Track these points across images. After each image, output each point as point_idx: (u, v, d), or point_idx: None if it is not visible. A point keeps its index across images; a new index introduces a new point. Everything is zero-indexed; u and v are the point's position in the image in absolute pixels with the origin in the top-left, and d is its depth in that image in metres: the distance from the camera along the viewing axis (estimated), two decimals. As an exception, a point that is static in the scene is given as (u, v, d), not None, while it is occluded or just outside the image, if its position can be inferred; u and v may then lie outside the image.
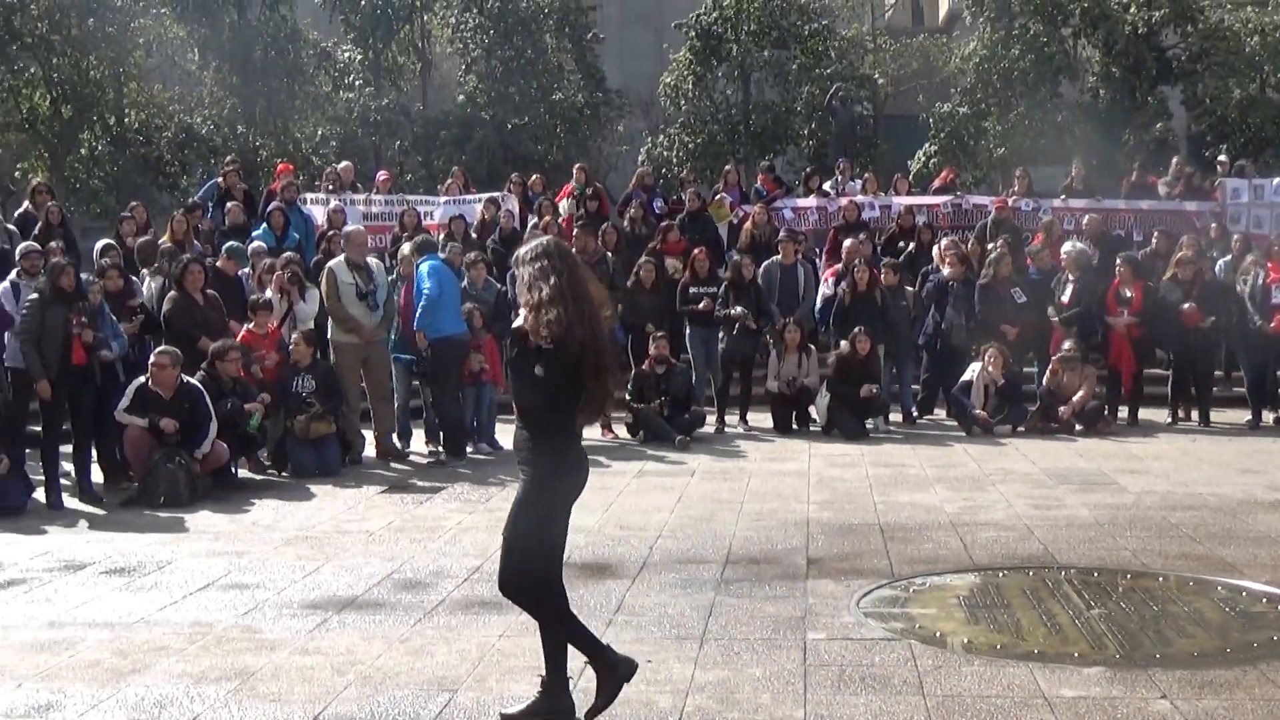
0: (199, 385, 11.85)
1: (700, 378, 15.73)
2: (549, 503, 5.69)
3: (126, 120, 35.02)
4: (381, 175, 21.18)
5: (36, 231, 15.58)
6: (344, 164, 21.49)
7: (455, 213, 18.32)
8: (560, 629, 5.80)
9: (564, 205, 19.10)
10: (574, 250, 6.48)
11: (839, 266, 16.44)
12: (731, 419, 15.55)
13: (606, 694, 5.76)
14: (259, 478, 12.64)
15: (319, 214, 18.15)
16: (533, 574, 5.68)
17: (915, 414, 15.93)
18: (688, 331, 15.80)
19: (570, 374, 5.51)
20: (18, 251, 13.91)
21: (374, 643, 7.09)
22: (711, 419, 15.31)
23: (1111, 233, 18.53)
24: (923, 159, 29.14)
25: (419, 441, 14.07)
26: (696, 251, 15.94)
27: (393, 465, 13.34)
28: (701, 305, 15.48)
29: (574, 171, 20.19)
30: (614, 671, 5.78)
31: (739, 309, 15.22)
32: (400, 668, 6.65)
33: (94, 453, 12.07)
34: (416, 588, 8.30)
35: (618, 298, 15.13)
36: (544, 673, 5.81)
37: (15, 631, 7.45)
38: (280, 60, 33.22)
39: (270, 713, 6.01)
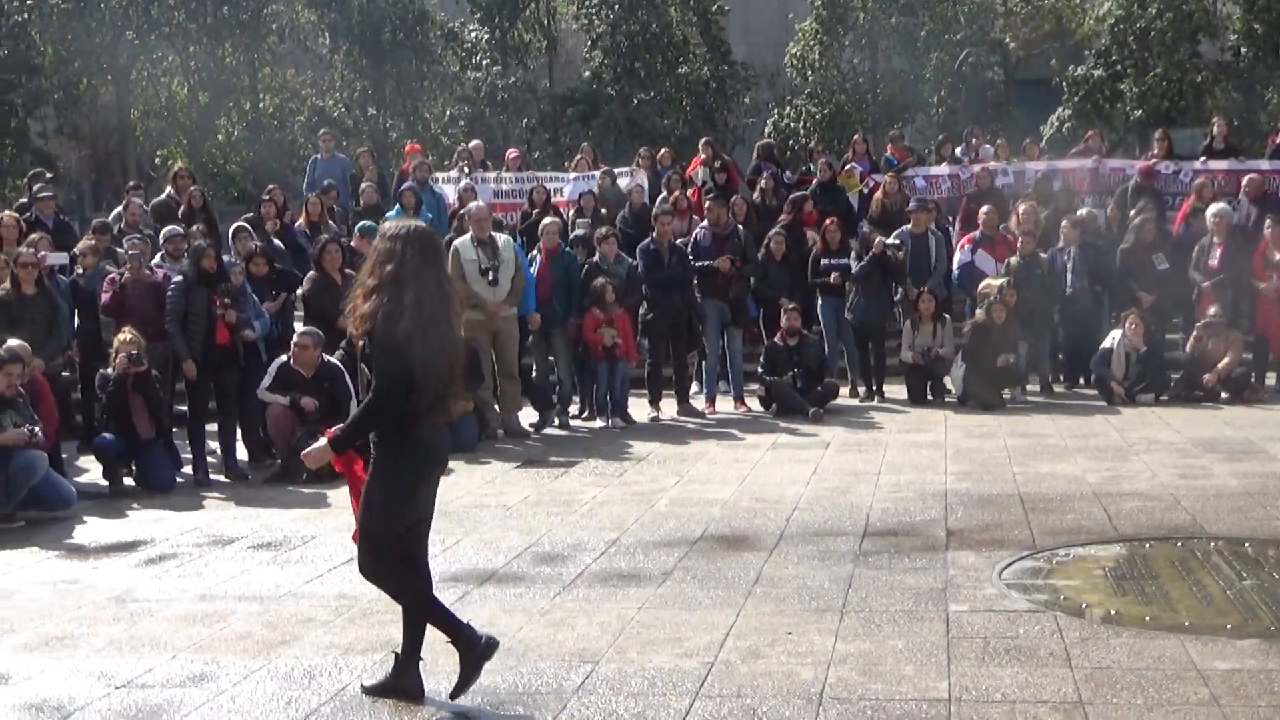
0: (338, 364, 12.05)
1: (833, 349, 15.61)
2: (392, 491, 5.68)
3: (261, 105, 35.73)
4: (512, 153, 21.32)
5: (179, 216, 15.96)
6: (475, 142, 21.66)
7: (585, 188, 18.39)
8: (418, 611, 5.91)
9: (699, 173, 19.00)
10: (447, 241, 6.44)
11: (974, 234, 16.17)
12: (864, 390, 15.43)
13: (468, 672, 5.83)
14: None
15: (450, 193, 18.34)
16: (385, 559, 5.79)
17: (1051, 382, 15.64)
18: (819, 303, 15.68)
19: (401, 364, 5.48)
20: (161, 236, 14.30)
21: (514, 615, 7.16)
22: (844, 391, 15.18)
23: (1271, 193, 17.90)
24: (1056, 123, 28.57)
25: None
26: (828, 222, 15.80)
27: (527, 441, 13.44)
28: (832, 279, 15.35)
29: (700, 145, 20.12)
30: (474, 649, 5.84)
31: (891, 240, 15.21)
32: (541, 640, 6.70)
33: (238, 431, 12.33)
34: (555, 561, 8.36)
35: (749, 271, 15.08)
36: (399, 650, 5.96)
37: (169, 604, 7.65)
38: (408, 41, 33.65)
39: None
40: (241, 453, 12.34)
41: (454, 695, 5.86)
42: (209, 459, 11.90)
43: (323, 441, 5.83)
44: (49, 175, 18.27)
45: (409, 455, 5.67)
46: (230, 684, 6.19)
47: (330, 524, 9.73)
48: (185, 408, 12.29)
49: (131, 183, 19.26)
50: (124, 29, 33.10)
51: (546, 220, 14.83)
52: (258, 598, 7.73)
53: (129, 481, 11.33)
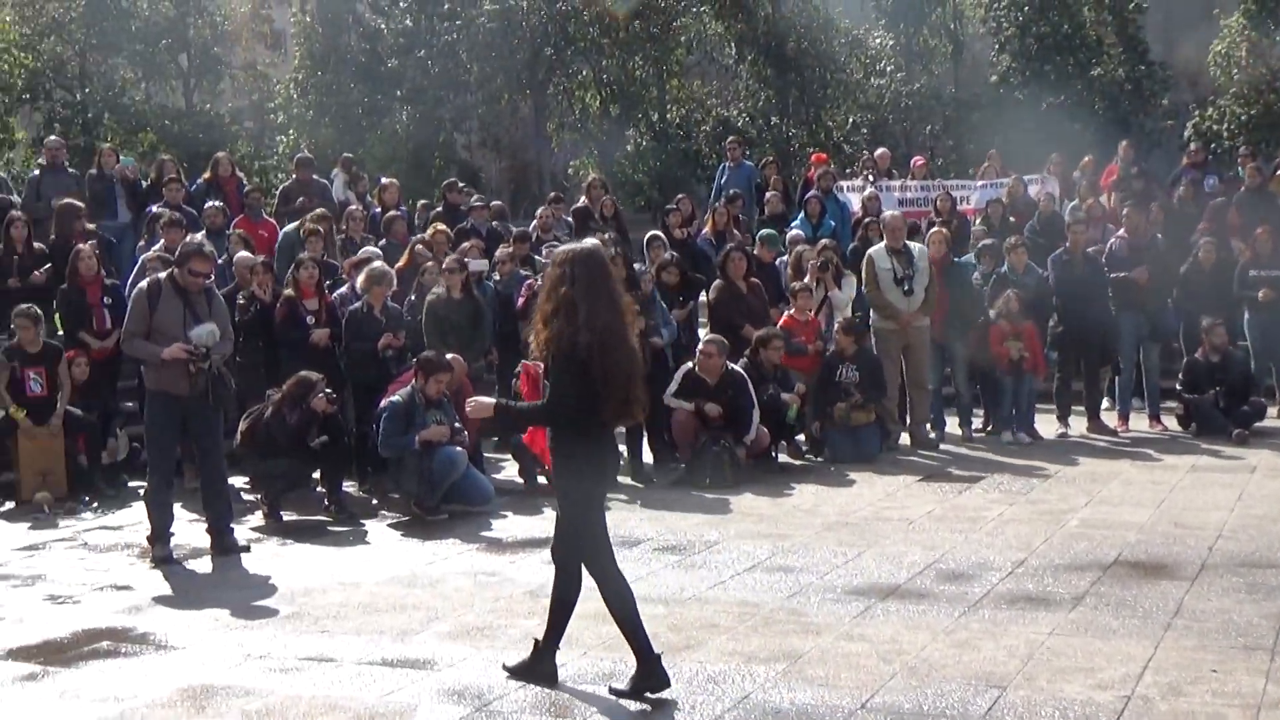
0: (742, 372, 12.18)
1: (1260, 367, 14.62)
2: (587, 483, 6.24)
3: (668, 115, 36.66)
4: (917, 160, 21.03)
5: (592, 225, 16.55)
6: (881, 150, 21.48)
7: (993, 196, 17.93)
8: (566, 603, 6.37)
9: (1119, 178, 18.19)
10: (617, 260, 7.01)
11: None
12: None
13: (639, 685, 6.12)
14: (798, 463, 12.86)
15: (855, 201, 18.26)
16: (574, 552, 6.28)
17: None
18: (1246, 317, 14.71)
19: (573, 381, 5.94)
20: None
21: (918, 633, 7.04)
22: (1273, 411, 14.19)
23: None
24: None
25: (953, 431, 13.86)
26: (1259, 231, 14.81)
27: (929, 453, 13.20)
28: (1261, 295, 14.34)
29: (1119, 149, 19.28)
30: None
31: None
32: (946, 660, 6.56)
33: (644, 434, 12.64)
34: (959, 579, 8.18)
35: (1169, 280, 14.31)
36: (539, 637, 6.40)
37: (581, 602, 7.82)
38: (813, 50, 33.74)
39: (819, 696, 6.09)
40: (646, 456, 12.65)
41: (615, 692, 6.19)
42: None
43: (492, 401, 6.59)
44: (462, 186, 19.27)
45: (594, 456, 6.21)
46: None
47: (733, 530, 9.84)
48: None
49: (552, 194, 20.10)
50: (543, 46, 34.64)
51: (933, 230, 14.54)
52: (663, 600, 7.90)
53: (542, 480, 11.81)
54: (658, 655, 6.18)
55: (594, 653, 6.87)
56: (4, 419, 11.68)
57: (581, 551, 6.29)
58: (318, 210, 14.48)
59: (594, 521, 6.29)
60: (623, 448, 12.46)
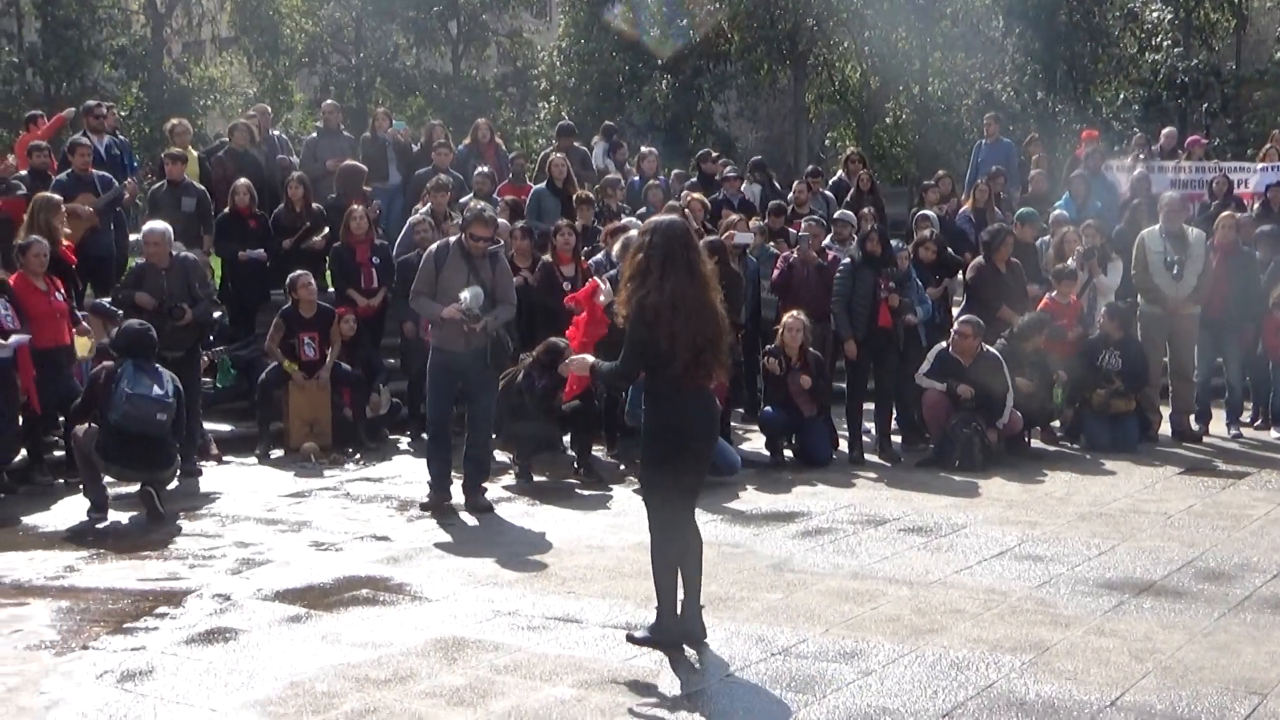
0: (997, 354, 11.93)
1: None
2: (659, 449, 6.43)
3: (930, 89, 36.05)
4: (1194, 139, 20.14)
5: (849, 198, 16.41)
6: (1168, 129, 20.58)
7: (1273, 180, 17.06)
8: (654, 566, 6.56)
9: None
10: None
11: None
12: None
13: (654, 636, 6.49)
14: (1051, 449, 12.53)
15: (1123, 182, 17.62)
16: (660, 510, 6.50)
17: None
18: None
19: (638, 342, 6.28)
20: (836, 216, 14.76)
21: (1174, 632, 6.81)
22: None
23: None
24: None
25: (1218, 424, 13.29)
26: None
27: (1192, 446, 12.70)
28: None
29: None
30: (681, 624, 6.53)
31: None
32: (1203, 662, 6.33)
33: (894, 413, 12.51)
34: (1219, 579, 7.86)
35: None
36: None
37: (823, 578, 7.91)
38: (1085, 24, 32.66)
39: (1066, 690, 5.94)
40: (896, 435, 12.52)
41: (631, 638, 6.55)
42: (864, 438, 12.16)
43: (589, 360, 6.99)
44: (716, 156, 19.24)
45: (672, 418, 6.37)
46: (879, 665, 6.31)
47: (981, 515, 9.67)
48: (844, 386, 12.62)
49: (810, 167, 19.98)
50: (804, 16, 34.40)
51: (1224, 214, 13.91)
52: (907, 582, 7.82)
53: (788, 454, 11.81)
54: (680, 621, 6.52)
55: (835, 630, 6.85)
56: (278, 371, 12.26)
57: (649, 503, 6.59)
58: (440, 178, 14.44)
59: (662, 485, 6.48)
60: (869, 425, 12.38)
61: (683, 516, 6.55)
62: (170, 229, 11.54)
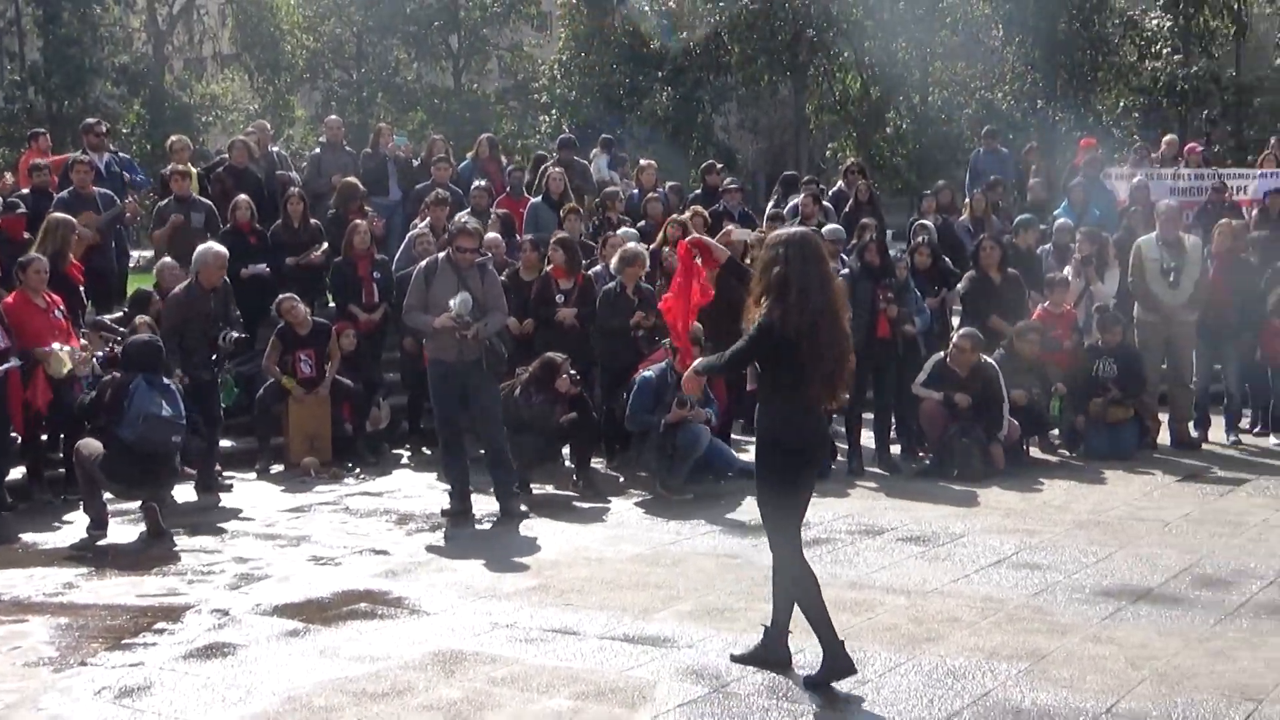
0: (994, 365, 11.94)
1: None
2: (775, 459, 6.26)
3: (930, 98, 36.13)
4: (1192, 147, 20.17)
5: (848, 209, 16.42)
6: (1169, 136, 20.60)
7: (1271, 186, 17.08)
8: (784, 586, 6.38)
9: None
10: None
11: None
12: None
13: (760, 654, 6.43)
14: (1051, 459, 12.54)
15: (1122, 190, 17.65)
16: (779, 531, 6.38)
17: None
18: None
19: (779, 355, 6.07)
20: (824, 231, 14.75)
21: (1170, 639, 6.82)
22: None
23: None
24: None
25: (1217, 431, 13.30)
26: None
27: (1191, 453, 12.69)
28: None
29: None
30: (773, 650, 6.43)
31: None
32: (1199, 669, 6.34)
33: (893, 423, 12.52)
34: (1217, 585, 7.88)
35: None
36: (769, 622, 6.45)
37: (822, 589, 7.89)
38: (1084, 32, 32.73)
39: (1062, 698, 5.96)
40: (895, 445, 12.52)
41: (736, 657, 6.49)
42: (863, 449, 12.16)
43: (698, 375, 6.56)
44: (719, 167, 19.27)
45: (797, 438, 6.25)
46: (875, 674, 6.32)
47: (979, 524, 9.68)
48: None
49: (806, 177, 20.00)
50: (805, 27, 34.49)
51: (1222, 221, 13.94)
52: (905, 591, 7.84)
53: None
54: (842, 642, 6.21)
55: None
56: (276, 387, 12.29)
57: (770, 533, 6.42)
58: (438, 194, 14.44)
59: (786, 505, 6.35)
60: (868, 433, 12.38)
61: (800, 542, 6.45)
62: (227, 252, 11.66)
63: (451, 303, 9.74)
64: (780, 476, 6.29)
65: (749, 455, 12.24)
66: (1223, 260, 13.24)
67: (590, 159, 18.34)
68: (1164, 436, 13.04)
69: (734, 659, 6.51)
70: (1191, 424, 13.10)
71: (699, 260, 6.91)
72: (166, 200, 14.65)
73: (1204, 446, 12.91)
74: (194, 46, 44.38)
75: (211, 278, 11.29)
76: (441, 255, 10.21)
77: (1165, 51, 33.33)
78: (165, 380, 9.68)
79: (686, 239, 7.26)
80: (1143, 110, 32.63)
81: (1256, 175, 18.36)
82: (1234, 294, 13.11)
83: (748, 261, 9.36)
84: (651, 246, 13.44)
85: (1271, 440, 13.08)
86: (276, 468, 12.21)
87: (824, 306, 6.05)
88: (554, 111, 37.46)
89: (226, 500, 10.97)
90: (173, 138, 16.42)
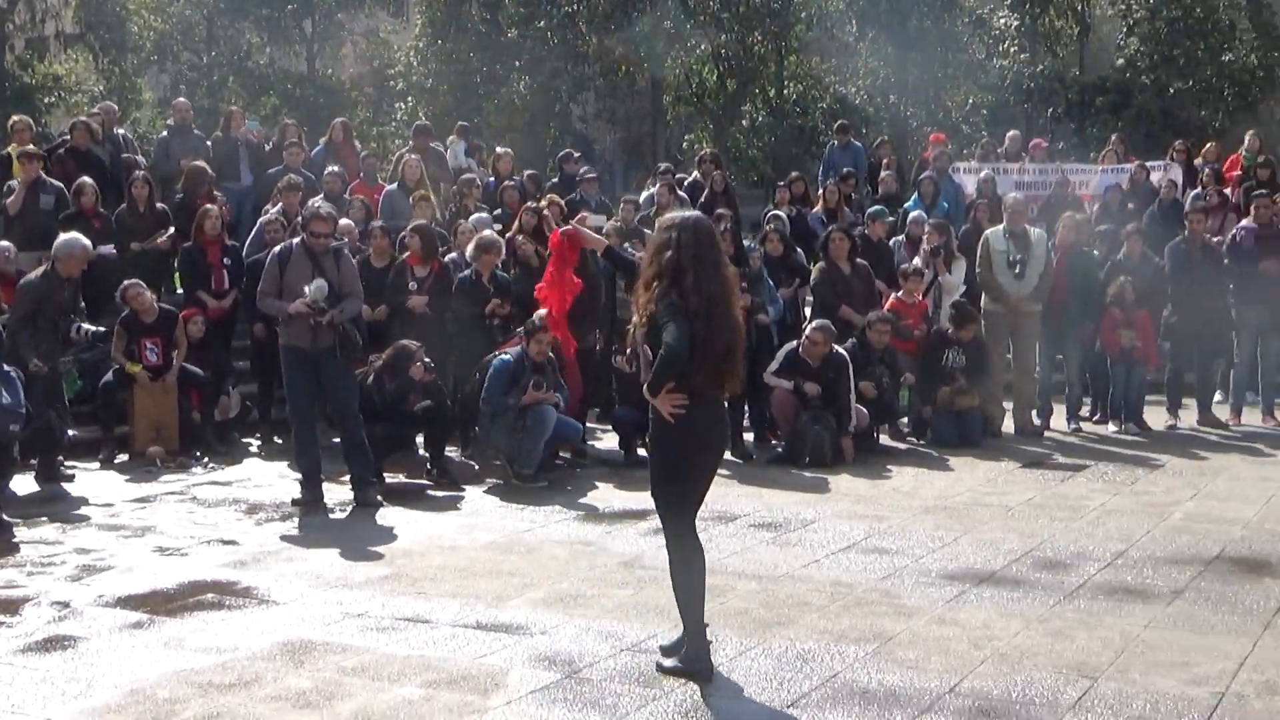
0: (844, 355, 12.11)
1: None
2: (669, 457, 6.09)
3: (785, 92, 36.49)
4: (1037, 143, 20.69)
5: (703, 199, 16.53)
6: (1013, 132, 21.05)
7: (1112, 182, 17.62)
8: (673, 575, 6.18)
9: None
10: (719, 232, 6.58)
11: None
12: None
13: (678, 667, 6.13)
14: (900, 446, 12.78)
15: (969, 184, 18.04)
16: (671, 514, 6.16)
17: None
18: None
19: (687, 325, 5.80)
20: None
21: (1011, 620, 7.00)
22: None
23: None
24: None
25: (1059, 419, 13.69)
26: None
27: (1033, 440, 13.04)
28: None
29: (1246, 138, 18.83)
30: (697, 660, 6.11)
31: None
32: (1038, 648, 6.51)
33: (746, 411, 12.63)
34: (1056, 568, 8.10)
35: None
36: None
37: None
38: (935, 29, 33.32)
39: (908, 679, 6.07)
40: (747, 433, 12.65)
41: (662, 667, 6.20)
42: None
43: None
44: (577, 155, 19.26)
45: (688, 429, 5.98)
46: (727, 658, 6.38)
47: (830, 510, 9.83)
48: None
49: (662, 166, 20.09)
50: (663, 18, 34.59)
51: (1066, 215, 14.33)
52: (756, 576, 7.93)
53: (642, 453, 11.85)
54: (709, 645, 6.15)
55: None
56: (121, 373, 12.00)
57: (664, 524, 6.24)
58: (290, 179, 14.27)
59: (678, 493, 6.14)
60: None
61: (694, 530, 6.25)
62: (90, 246, 11.35)
63: (307, 289, 9.61)
64: (672, 465, 6.13)
65: (605, 444, 12.37)
66: (1066, 252, 13.61)
67: (446, 146, 18.19)
68: (1008, 424, 13.39)
69: (660, 669, 6.26)
70: (1035, 412, 13.45)
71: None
72: (9, 183, 14.17)
73: (1046, 434, 13.29)
74: (36, 25, 42.96)
75: (72, 269, 10.99)
76: (296, 241, 10.10)
77: (1013, 51, 34.09)
78: (6, 368, 9.39)
79: (560, 230, 7.15)
80: (990, 107, 33.31)
81: (1098, 171, 18.91)
82: (1075, 285, 13.48)
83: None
84: (508, 234, 13.38)
85: (1110, 428, 13.50)
86: (121, 457, 11.93)
87: (716, 293, 5.91)
88: (410, 99, 37.06)
89: (69, 490, 10.67)
90: (14, 118, 15.91)
